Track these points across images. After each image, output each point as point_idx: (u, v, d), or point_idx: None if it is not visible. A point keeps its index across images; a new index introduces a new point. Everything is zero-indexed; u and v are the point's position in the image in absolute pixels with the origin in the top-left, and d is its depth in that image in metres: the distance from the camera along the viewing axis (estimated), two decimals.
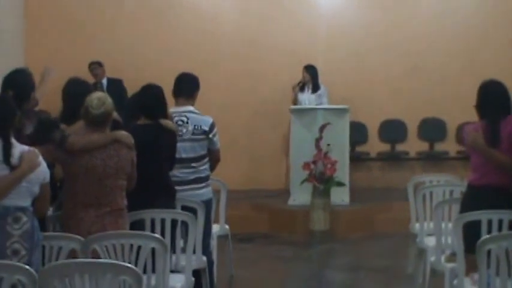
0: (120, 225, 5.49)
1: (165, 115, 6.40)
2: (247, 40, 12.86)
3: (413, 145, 12.93)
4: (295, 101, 11.90)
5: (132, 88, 8.16)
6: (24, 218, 4.72)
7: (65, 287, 4.35)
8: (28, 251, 4.68)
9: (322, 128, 10.92)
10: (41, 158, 4.82)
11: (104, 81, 12.25)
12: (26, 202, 4.75)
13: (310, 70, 11.96)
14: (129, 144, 5.61)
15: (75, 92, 5.89)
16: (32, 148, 4.85)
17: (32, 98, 5.88)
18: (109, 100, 5.55)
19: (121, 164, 5.54)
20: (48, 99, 6.23)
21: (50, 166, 5.02)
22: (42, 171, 4.83)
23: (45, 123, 5.58)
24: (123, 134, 5.62)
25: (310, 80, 11.96)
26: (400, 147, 13.02)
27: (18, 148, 4.74)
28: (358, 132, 12.48)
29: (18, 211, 4.70)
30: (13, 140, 4.73)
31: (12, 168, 4.66)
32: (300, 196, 10.98)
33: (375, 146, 12.95)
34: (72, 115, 5.74)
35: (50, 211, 5.68)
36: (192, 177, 6.69)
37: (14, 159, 4.68)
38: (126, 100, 8.20)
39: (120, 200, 5.56)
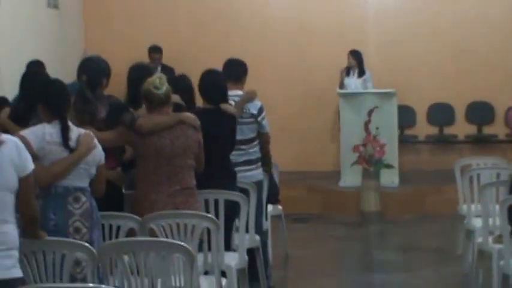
0: (192, 204, 5.64)
1: (226, 99, 6.54)
2: (297, 23, 12.91)
3: (462, 128, 12.89)
4: (342, 85, 12.01)
5: None
6: (83, 198, 4.84)
7: (122, 263, 4.57)
8: (88, 229, 4.80)
9: (370, 112, 11.05)
10: (96, 141, 4.94)
11: (159, 67, 12.46)
12: (85, 183, 4.87)
13: (356, 55, 12.03)
14: (195, 125, 5.74)
15: (139, 77, 5.98)
16: (87, 131, 4.98)
17: (104, 83, 6.08)
18: (166, 80, 5.68)
19: (188, 144, 5.68)
20: (110, 83, 6.43)
21: (106, 150, 5.19)
22: (98, 153, 4.94)
23: (116, 107, 5.76)
24: (188, 116, 5.76)
25: (355, 65, 12.03)
26: (448, 131, 12.99)
27: (75, 131, 4.86)
28: (406, 116, 12.51)
29: (78, 191, 4.82)
30: (70, 123, 4.86)
31: (71, 150, 4.79)
32: (351, 178, 11.11)
33: (423, 129, 12.95)
34: (137, 99, 5.89)
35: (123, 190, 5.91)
36: (242, 159, 6.83)
37: (72, 142, 4.80)
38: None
39: (189, 179, 5.71)
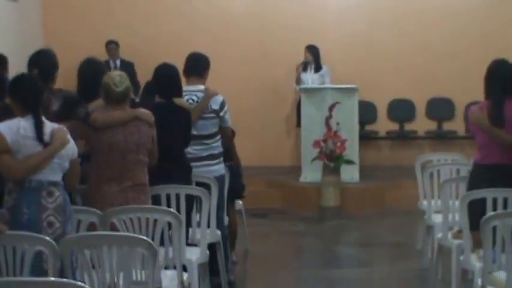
0: (143, 200, 5.65)
1: (180, 94, 6.56)
2: (257, 18, 12.96)
3: (422, 124, 13.00)
4: (299, 81, 12.06)
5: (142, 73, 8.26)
6: (57, 192, 4.86)
7: (84, 258, 4.55)
8: (61, 223, 4.82)
9: (331, 107, 11.08)
10: (69, 135, 4.97)
11: (118, 62, 12.45)
12: (58, 177, 4.90)
13: (312, 50, 12.10)
14: (150, 121, 5.77)
15: (91, 72, 6.08)
16: (61, 125, 5.00)
17: (55, 77, 6.05)
18: (127, 78, 5.73)
19: (142, 140, 5.70)
20: (63, 77, 6.37)
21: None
22: (71, 147, 4.98)
23: (70, 101, 5.74)
24: (143, 112, 5.78)
25: (312, 60, 12.09)
26: (408, 126, 13.10)
27: (49, 126, 4.89)
28: (367, 112, 12.60)
29: (51, 185, 4.84)
30: (43, 118, 4.88)
31: (45, 145, 4.80)
32: (311, 173, 11.15)
33: (384, 125, 13.04)
34: (88, 94, 5.91)
35: None
36: (205, 153, 6.84)
37: (46, 137, 4.82)
38: (136, 84, 8.33)
39: (141, 175, 5.72)
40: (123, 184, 5.62)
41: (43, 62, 6.00)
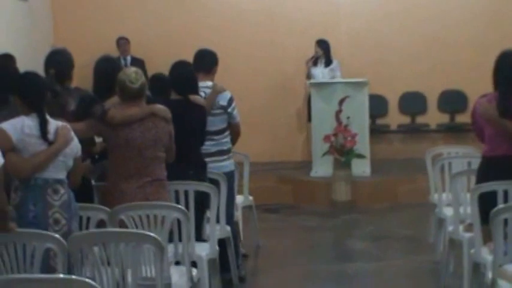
0: (162, 195, 5.66)
1: (196, 91, 6.58)
2: (266, 13, 12.98)
3: (434, 117, 12.97)
4: (309, 75, 12.05)
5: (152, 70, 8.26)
6: (62, 190, 4.88)
7: (93, 254, 4.56)
8: (67, 220, 4.84)
9: (341, 101, 11.08)
10: (73, 133, 4.99)
11: (129, 58, 12.48)
12: (62, 175, 4.92)
13: (322, 45, 12.08)
14: (167, 117, 5.77)
15: (106, 69, 6.09)
16: (64, 123, 5.01)
17: (72, 76, 6.07)
18: (143, 74, 5.72)
19: (159, 136, 5.70)
20: (78, 75, 6.39)
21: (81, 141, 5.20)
22: (75, 145, 5.00)
23: (86, 99, 5.77)
24: (160, 108, 5.78)
25: (322, 55, 12.08)
26: (420, 120, 13.09)
27: (53, 124, 4.91)
28: (378, 105, 12.58)
29: (56, 183, 4.86)
30: (47, 116, 4.89)
31: (49, 143, 4.83)
32: (322, 168, 11.14)
33: (395, 118, 13.03)
34: (104, 91, 5.92)
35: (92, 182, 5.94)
36: (214, 149, 6.87)
37: (50, 135, 4.84)
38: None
39: (159, 171, 5.73)
40: (142, 180, 5.63)
41: (59, 62, 6.04)
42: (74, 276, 4.09)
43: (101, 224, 5.25)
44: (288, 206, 10.85)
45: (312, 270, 7.88)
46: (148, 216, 5.31)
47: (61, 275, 4.18)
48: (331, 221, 10.10)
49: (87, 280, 3.57)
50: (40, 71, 6.01)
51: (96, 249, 4.59)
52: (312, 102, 11.58)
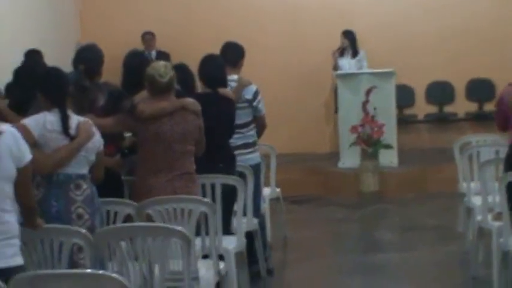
0: (191, 188, 5.65)
1: (225, 84, 6.58)
2: (291, 5, 12.96)
3: (461, 106, 12.88)
4: (336, 66, 12.02)
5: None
6: (84, 185, 4.89)
7: (120, 249, 4.58)
8: (90, 215, 4.86)
9: (368, 92, 11.05)
10: (95, 128, 4.99)
11: (154, 52, 12.51)
12: (85, 170, 4.93)
13: (348, 35, 12.05)
14: (196, 110, 5.76)
15: (136, 64, 6.07)
16: (86, 119, 5.02)
17: (101, 72, 6.09)
18: (172, 68, 5.72)
19: (188, 130, 5.69)
20: (104, 70, 6.42)
21: (105, 136, 5.21)
22: (97, 140, 5.00)
23: (115, 94, 5.79)
24: (189, 101, 5.77)
25: (349, 45, 12.05)
26: (448, 109, 13.01)
27: (75, 119, 4.91)
28: (405, 95, 12.53)
29: (79, 178, 4.87)
30: (69, 111, 4.90)
31: (71, 138, 4.84)
32: (349, 159, 11.13)
33: (422, 108, 12.96)
34: (133, 86, 5.91)
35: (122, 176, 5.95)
36: (240, 142, 6.85)
37: (72, 130, 4.85)
38: None
39: (188, 164, 5.72)
40: (171, 174, 5.62)
41: (89, 58, 6.07)
42: (101, 272, 4.11)
43: (128, 218, 5.25)
44: (315, 197, 10.82)
45: (340, 262, 7.88)
46: (175, 210, 5.31)
47: (89, 270, 4.19)
48: (359, 212, 10.08)
49: (114, 275, 3.57)
50: (67, 66, 6.07)
51: (123, 244, 4.60)
52: (338, 93, 11.57)
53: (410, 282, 7.15)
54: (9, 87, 6.76)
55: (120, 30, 12.70)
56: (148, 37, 12.63)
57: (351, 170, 11.01)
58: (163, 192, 5.50)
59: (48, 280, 3.49)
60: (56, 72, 5.06)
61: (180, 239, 4.60)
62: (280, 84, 12.55)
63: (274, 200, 8.35)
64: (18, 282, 3.48)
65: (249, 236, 6.63)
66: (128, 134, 6.09)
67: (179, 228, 4.70)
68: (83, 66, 6.02)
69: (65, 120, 4.84)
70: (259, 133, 7.12)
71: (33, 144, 4.68)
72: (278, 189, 8.38)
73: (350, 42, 12.03)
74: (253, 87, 6.97)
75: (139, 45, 12.17)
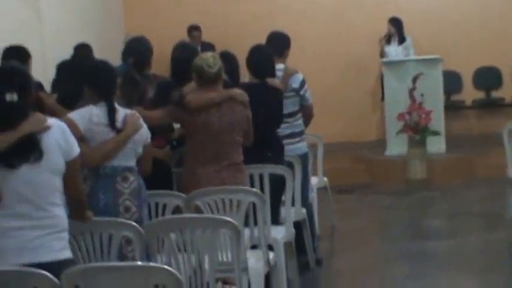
0: (238, 179, 5.65)
1: (273, 74, 6.58)
2: None
3: (509, 91, 12.70)
4: (382, 54, 11.95)
5: None
6: (132, 177, 4.89)
7: (169, 241, 4.59)
8: (137, 207, 4.86)
9: (415, 79, 11.00)
10: (142, 120, 4.99)
11: (199, 47, 12.52)
12: (132, 162, 4.92)
13: (395, 22, 11.96)
14: (244, 101, 5.75)
15: (185, 55, 6.03)
16: (133, 111, 5.02)
17: (150, 64, 6.11)
18: (220, 59, 5.71)
19: (236, 120, 5.68)
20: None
21: (155, 128, 5.23)
22: (145, 132, 5.00)
23: (163, 86, 5.81)
24: (237, 92, 5.76)
25: (395, 32, 11.96)
26: (495, 94, 12.86)
27: (121, 112, 4.92)
28: (452, 81, 12.41)
29: (126, 171, 4.88)
30: (116, 105, 4.91)
31: (118, 131, 4.84)
32: (397, 146, 11.08)
33: (469, 93, 12.84)
34: (182, 77, 5.90)
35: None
36: (287, 132, 6.85)
37: (119, 123, 4.85)
38: None
39: (236, 155, 5.72)
40: (219, 165, 5.62)
41: (137, 50, 6.08)
42: (152, 264, 4.15)
43: (176, 210, 5.26)
44: (362, 185, 10.78)
45: (388, 250, 7.85)
46: (223, 201, 5.32)
47: (139, 263, 4.22)
48: (406, 200, 10.03)
49: (166, 267, 3.59)
50: (112, 59, 6.10)
51: (172, 235, 4.61)
52: (384, 81, 11.52)
53: (458, 271, 7.07)
54: (56, 82, 6.84)
55: (165, 23, 12.71)
56: (195, 34, 12.61)
57: (398, 158, 10.96)
58: (211, 183, 5.49)
59: (100, 273, 3.50)
60: (103, 65, 5.07)
61: (230, 229, 4.60)
62: (326, 73, 12.51)
63: (321, 190, 8.33)
64: (70, 276, 3.50)
65: (297, 226, 6.61)
66: (177, 126, 6.11)
67: (229, 219, 4.71)
68: (132, 58, 6.04)
69: (111, 114, 4.85)
70: (306, 122, 7.11)
71: (80, 138, 4.66)
72: (325, 179, 8.36)
73: (396, 29, 11.95)
74: (299, 76, 6.97)
75: (184, 37, 12.19)
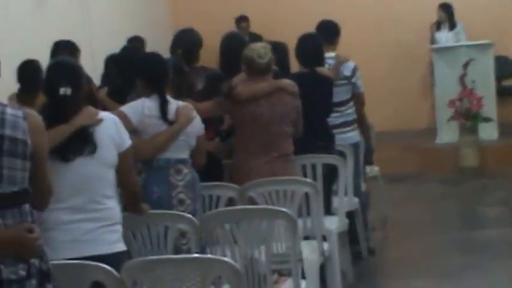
0: (289, 170, 5.61)
1: (322, 63, 6.53)
2: None
3: None
4: (433, 40, 11.82)
5: None
6: (185, 170, 4.86)
7: (225, 232, 4.55)
8: (192, 200, 4.83)
9: (465, 65, 10.88)
10: (195, 112, 4.97)
11: (247, 36, 12.49)
12: (185, 154, 4.90)
13: (445, 8, 11.85)
14: (294, 91, 5.70)
15: (232, 46, 6.01)
16: (186, 103, 5.00)
17: (199, 55, 6.08)
18: (270, 49, 5.65)
19: (286, 111, 5.64)
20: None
21: (204, 121, 5.20)
22: (198, 124, 4.98)
23: (213, 78, 5.78)
24: (287, 82, 5.71)
25: (446, 18, 11.83)
26: None
27: (173, 104, 4.89)
28: (503, 67, 12.21)
29: (179, 163, 4.85)
30: (168, 97, 4.90)
31: (170, 123, 4.82)
32: (447, 134, 10.99)
33: None
34: (231, 69, 5.85)
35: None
36: (339, 121, 6.81)
37: (171, 115, 4.83)
38: None
39: (287, 145, 5.68)
40: (269, 155, 5.58)
41: (186, 42, 6.06)
42: (210, 256, 4.14)
43: (230, 202, 5.24)
44: (413, 174, 10.66)
45: (441, 240, 7.74)
46: (277, 192, 5.28)
47: (196, 255, 4.20)
48: (459, 188, 9.92)
49: (226, 259, 3.58)
50: (159, 52, 6.09)
51: (228, 227, 4.57)
52: (434, 68, 11.39)
53: None
54: (105, 76, 6.85)
55: (213, 15, 12.68)
56: (244, 24, 12.62)
57: (449, 145, 10.85)
58: (262, 174, 5.46)
59: (160, 266, 3.49)
60: (156, 58, 5.06)
61: (286, 220, 4.56)
62: (376, 61, 12.38)
63: (372, 179, 8.25)
64: (130, 268, 3.51)
65: (350, 215, 6.57)
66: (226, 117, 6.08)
67: (284, 209, 4.66)
68: (181, 50, 6.01)
69: (163, 106, 4.83)
70: (359, 110, 7.05)
71: (132, 131, 4.65)
72: (376, 168, 8.28)
73: (447, 15, 11.83)
74: (351, 64, 6.92)
75: (232, 29, 12.16)
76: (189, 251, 4.51)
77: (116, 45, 7.11)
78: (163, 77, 4.94)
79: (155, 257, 3.79)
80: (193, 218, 4.51)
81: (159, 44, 6.99)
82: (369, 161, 7.96)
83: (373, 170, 8.20)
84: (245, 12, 12.73)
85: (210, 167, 5.32)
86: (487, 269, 6.70)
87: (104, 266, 3.51)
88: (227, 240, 4.55)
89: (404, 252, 7.43)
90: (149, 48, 7.72)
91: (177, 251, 4.54)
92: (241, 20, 12.69)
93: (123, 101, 5.32)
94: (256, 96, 5.57)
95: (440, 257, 7.20)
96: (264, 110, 5.59)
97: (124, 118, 4.59)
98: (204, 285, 3.43)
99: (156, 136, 4.81)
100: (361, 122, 7.20)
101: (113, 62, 6.63)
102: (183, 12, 12.74)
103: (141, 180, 4.76)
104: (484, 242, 7.53)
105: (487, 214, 8.69)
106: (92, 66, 7.60)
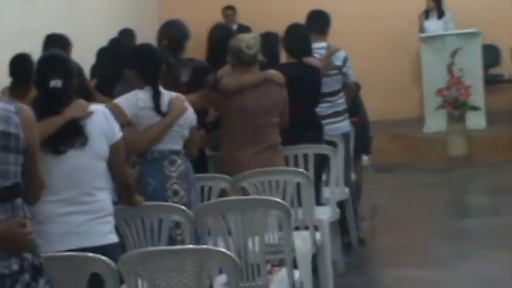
0: (277, 159, 5.62)
1: (310, 53, 6.52)
2: None
3: None
4: (422, 29, 11.83)
5: None
6: (179, 161, 4.87)
7: (219, 224, 4.56)
8: (186, 191, 4.85)
9: (453, 54, 10.89)
10: (187, 103, 4.97)
11: (235, 26, 12.46)
12: (178, 145, 4.92)
13: None
14: (280, 82, 5.70)
15: (222, 37, 6.00)
16: (178, 94, 5.00)
17: (185, 47, 6.07)
18: (259, 40, 5.65)
19: (273, 102, 5.65)
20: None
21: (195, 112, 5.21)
22: (190, 115, 4.99)
23: (199, 69, 5.76)
24: (274, 73, 5.71)
25: (434, 7, 11.83)
26: None
27: (166, 95, 4.90)
28: (490, 55, 12.22)
29: (173, 154, 4.87)
30: (161, 88, 4.90)
31: (163, 115, 4.83)
32: (435, 123, 11.03)
33: (508, 67, 12.60)
34: (218, 60, 5.85)
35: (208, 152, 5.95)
36: (330, 111, 6.81)
37: (164, 107, 4.84)
38: None
39: (274, 136, 5.68)
40: (258, 146, 5.59)
41: (172, 33, 6.02)
42: (206, 246, 4.15)
43: (221, 193, 5.24)
44: (402, 164, 10.70)
45: (431, 229, 7.77)
46: (270, 182, 5.29)
47: (191, 246, 4.22)
48: (447, 177, 9.96)
49: (224, 250, 3.61)
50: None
51: (221, 218, 4.58)
52: (422, 57, 11.43)
53: (501, 248, 6.97)
54: (94, 68, 6.84)
55: (200, 5, 12.64)
56: (229, 12, 12.62)
57: (437, 134, 10.91)
58: (250, 165, 5.45)
59: (158, 257, 3.51)
60: (148, 48, 5.06)
61: (280, 210, 4.57)
62: (365, 51, 12.31)
63: (362, 168, 8.26)
64: (127, 260, 3.52)
65: (340, 205, 6.56)
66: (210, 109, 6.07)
67: (279, 200, 4.69)
68: (166, 41, 6.00)
69: (156, 97, 4.83)
70: (348, 100, 7.05)
71: (127, 123, 4.69)
72: (366, 157, 8.28)
73: (435, 4, 11.81)
74: (342, 54, 6.92)
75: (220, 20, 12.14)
76: (183, 242, 4.52)
77: (104, 38, 7.12)
78: (157, 69, 4.93)
79: (152, 248, 3.82)
80: (187, 210, 4.50)
81: (147, 35, 6.96)
82: (367, 151, 7.98)
83: (362, 159, 8.21)
84: (234, 3, 12.70)
85: (195, 159, 5.32)
86: (476, 257, 6.75)
87: (102, 257, 3.53)
88: (221, 231, 4.56)
89: (394, 241, 7.46)
90: (138, 40, 7.71)
91: (171, 241, 4.55)
92: (227, 8, 12.70)
93: (108, 93, 5.32)
94: (243, 88, 5.57)
95: (429, 245, 7.24)
96: (250, 101, 5.59)
97: (118, 111, 4.62)
98: (200, 276, 3.45)
99: (150, 128, 4.81)
100: (355, 111, 7.22)
101: (102, 54, 6.63)
102: (172, 2, 12.67)
103: (136, 173, 4.78)
104: (472, 231, 7.60)
105: (475, 202, 8.75)
106: (80, 58, 7.58)
